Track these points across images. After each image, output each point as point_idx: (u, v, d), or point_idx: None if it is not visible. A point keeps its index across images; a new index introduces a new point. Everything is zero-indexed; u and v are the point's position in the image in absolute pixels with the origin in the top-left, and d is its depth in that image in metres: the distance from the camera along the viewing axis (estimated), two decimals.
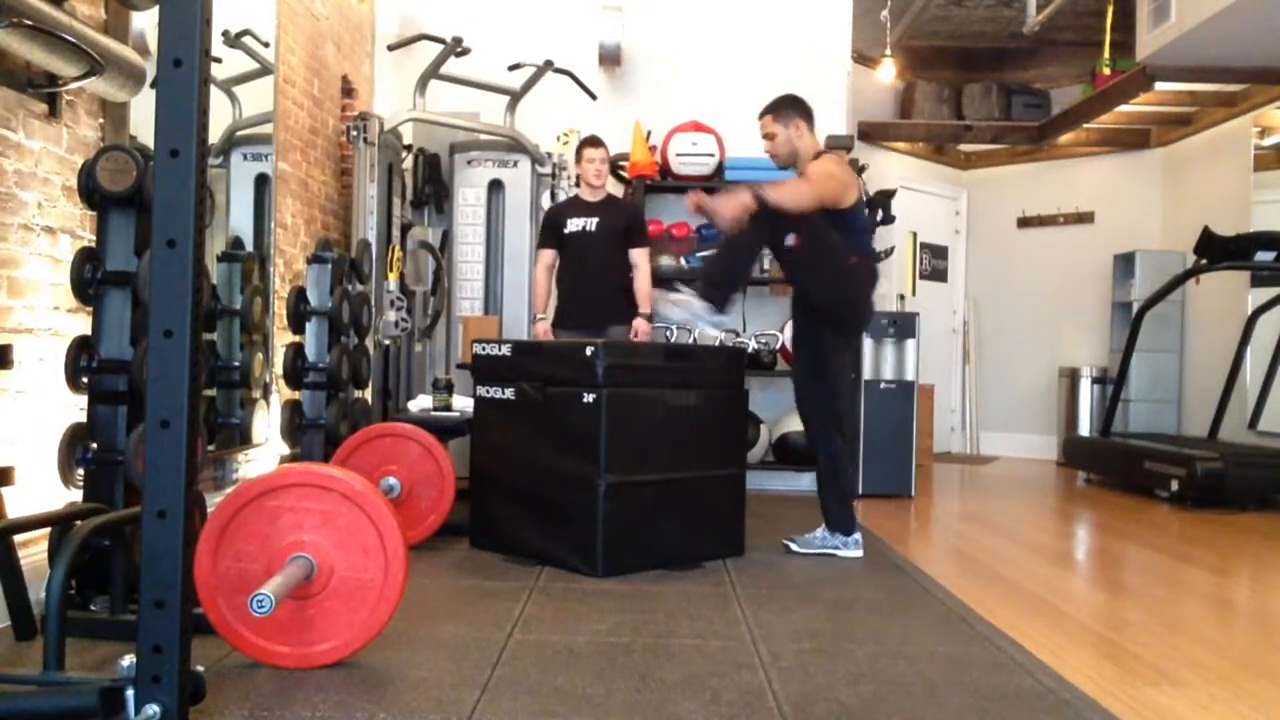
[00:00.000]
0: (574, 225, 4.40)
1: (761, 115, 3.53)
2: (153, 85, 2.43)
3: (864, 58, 6.81)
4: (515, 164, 5.03)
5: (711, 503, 3.41)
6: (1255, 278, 5.85)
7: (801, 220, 3.29)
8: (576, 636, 2.38)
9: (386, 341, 4.25)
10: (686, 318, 3.43)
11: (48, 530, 2.30)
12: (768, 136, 3.51)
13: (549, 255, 4.47)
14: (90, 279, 2.37)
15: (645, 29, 5.41)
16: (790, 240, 3.35)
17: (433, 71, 4.73)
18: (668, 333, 4.90)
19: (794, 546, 3.52)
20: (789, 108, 3.50)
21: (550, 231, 4.47)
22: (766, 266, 5.23)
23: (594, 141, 4.42)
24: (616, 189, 5.17)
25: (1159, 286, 5.90)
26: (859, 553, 3.47)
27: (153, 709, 1.47)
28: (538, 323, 4.48)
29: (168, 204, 1.47)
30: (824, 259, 3.38)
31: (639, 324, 4.33)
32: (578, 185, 5.16)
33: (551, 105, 5.16)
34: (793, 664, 2.20)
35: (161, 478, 1.47)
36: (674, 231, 5.25)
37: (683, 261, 5.24)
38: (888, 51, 6.54)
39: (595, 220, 4.37)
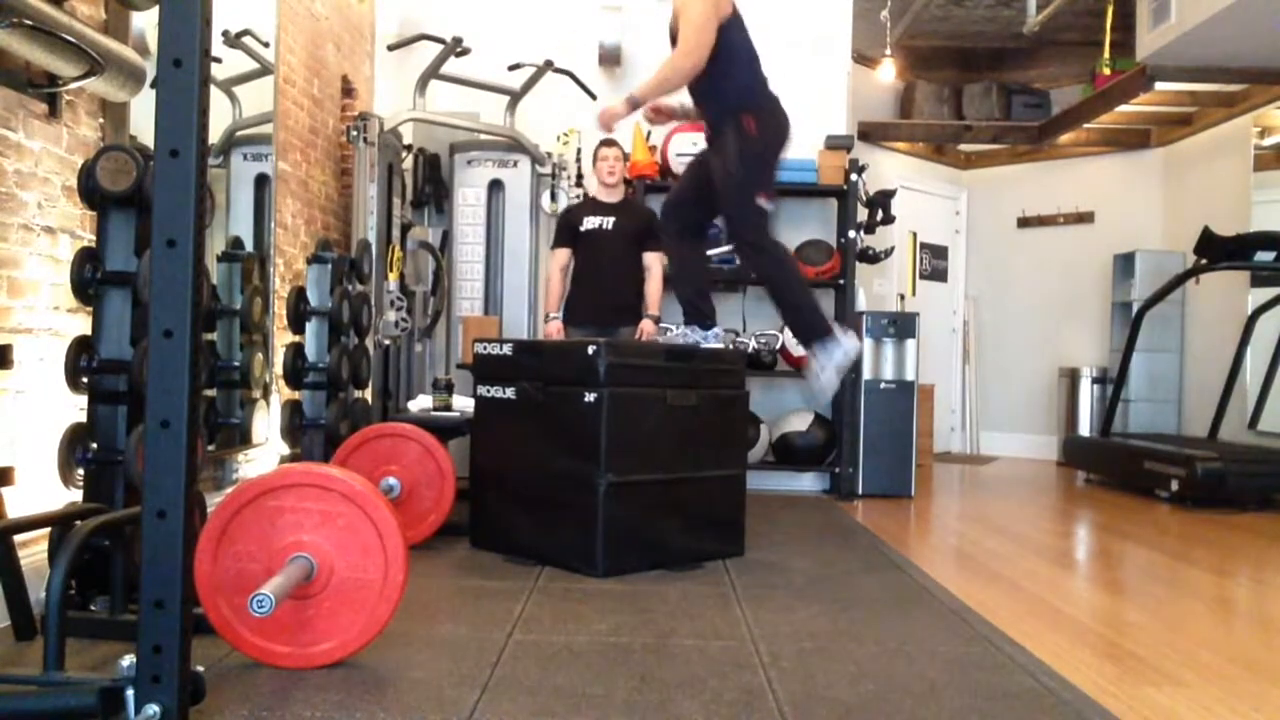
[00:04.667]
0: (590, 224, 4.44)
1: None
2: (153, 85, 2.43)
3: (864, 58, 6.81)
4: (515, 164, 5.03)
5: (711, 503, 3.41)
6: (1255, 278, 5.85)
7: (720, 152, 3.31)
8: (576, 636, 2.38)
9: (386, 341, 4.26)
10: (695, 341, 3.50)
11: (48, 530, 2.30)
12: None
13: (563, 255, 4.51)
14: (90, 279, 2.37)
15: (645, 29, 5.41)
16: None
17: (433, 71, 4.73)
18: (667, 332, 4.90)
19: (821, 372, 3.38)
20: None
21: (565, 231, 4.50)
22: None
23: (609, 142, 4.48)
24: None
25: (1159, 286, 5.90)
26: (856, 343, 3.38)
27: (153, 709, 1.47)
28: (550, 322, 4.49)
29: (168, 204, 1.47)
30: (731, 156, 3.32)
31: (645, 325, 4.36)
32: (579, 185, 5.17)
33: (551, 105, 5.17)
34: (793, 664, 2.20)
35: (161, 478, 1.47)
36: None
37: None
38: (888, 51, 6.54)
39: (612, 220, 4.43)
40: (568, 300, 4.52)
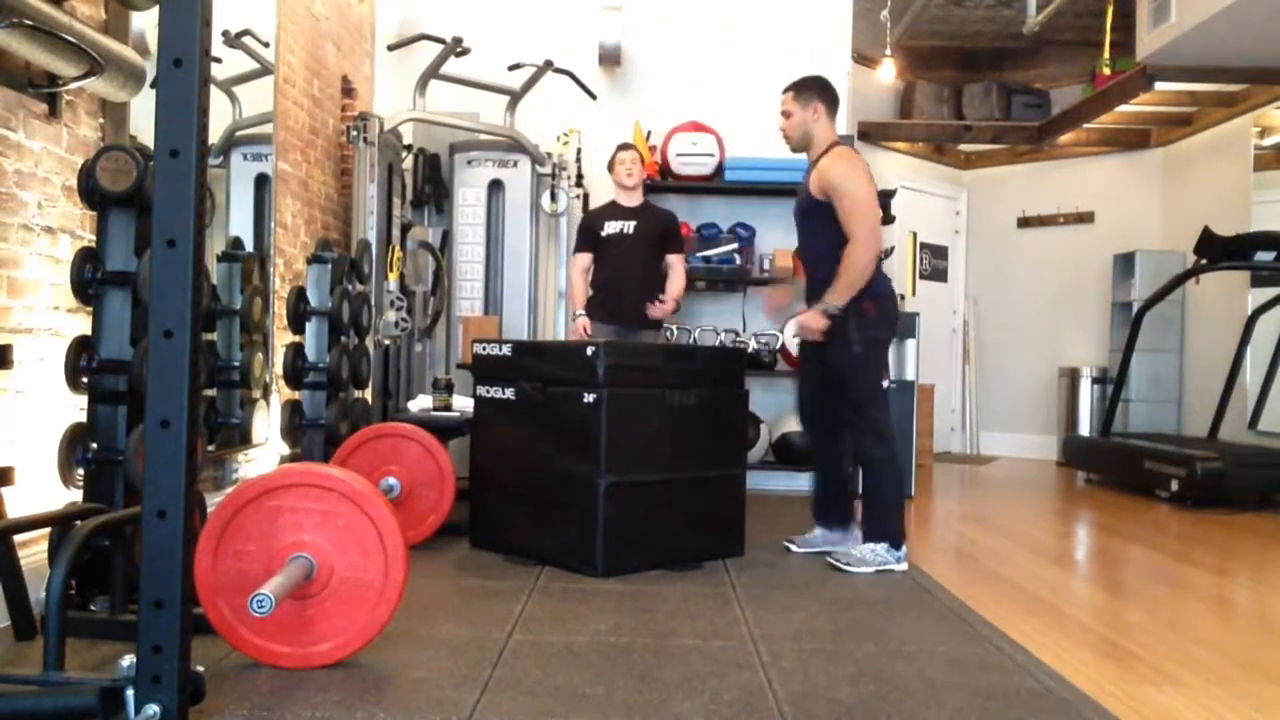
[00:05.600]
0: (611, 228, 4.46)
1: (784, 91, 3.47)
2: (153, 85, 2.43)
3: (864, 58, 6.81)
4: (515, 164, 5.03)
5: (711, 503, 3.41)
6: (1255, 278, 5.85)
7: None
8: (576, 636, 2.38)
9: (386, 341, 4.25)
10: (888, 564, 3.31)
11: (48, 530, 2.30)
12: (785, 114, 3.45)
13: (584, 259, 4.54)
14: (90, 279, 2.37)
15: (645, 29, 5.41)
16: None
17: (433, 71, 4.73)
18: (668, 332, 4.91)
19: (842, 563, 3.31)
20: (811, 89, 3.43)
21: (586, 235, 4.54)
22: (766, 267, 5.24)
23: (625, 145, 4.56)
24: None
25: (1159, 286, 5.90)
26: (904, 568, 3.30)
27: (153, 709, 1.47)
28: (578, 319, 4.50)
29: (168, 204, 1.47)
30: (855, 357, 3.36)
31: (662, 305, 4.40)
32: (579, 185, 5.17)
33: (551, 105, 5.17)
34: (793, 664, 2.20)
35: (161, 478, 1.47)
36: None
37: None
38: (888, 51, 6.53)
39: (633, 224, 4.45)
40: (589, 303, 4.54)
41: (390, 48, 5.06)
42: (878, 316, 3.35)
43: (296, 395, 3.55)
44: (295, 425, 3.47)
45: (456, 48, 4.71)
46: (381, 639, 2.12)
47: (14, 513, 2.28)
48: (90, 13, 2.68)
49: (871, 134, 7.10)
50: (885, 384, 3.52)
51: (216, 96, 3.52)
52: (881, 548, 3.27)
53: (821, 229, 3.35)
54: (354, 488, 2.06)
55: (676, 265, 4.53)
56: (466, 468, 3.56)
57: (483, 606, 2.66)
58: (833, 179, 3.30)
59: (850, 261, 3.25)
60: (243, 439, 3.70)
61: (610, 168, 4.56)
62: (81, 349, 2.37)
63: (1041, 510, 5.13)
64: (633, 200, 4.52)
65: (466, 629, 2.42)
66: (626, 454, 3.14)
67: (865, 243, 3.24)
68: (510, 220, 5.06)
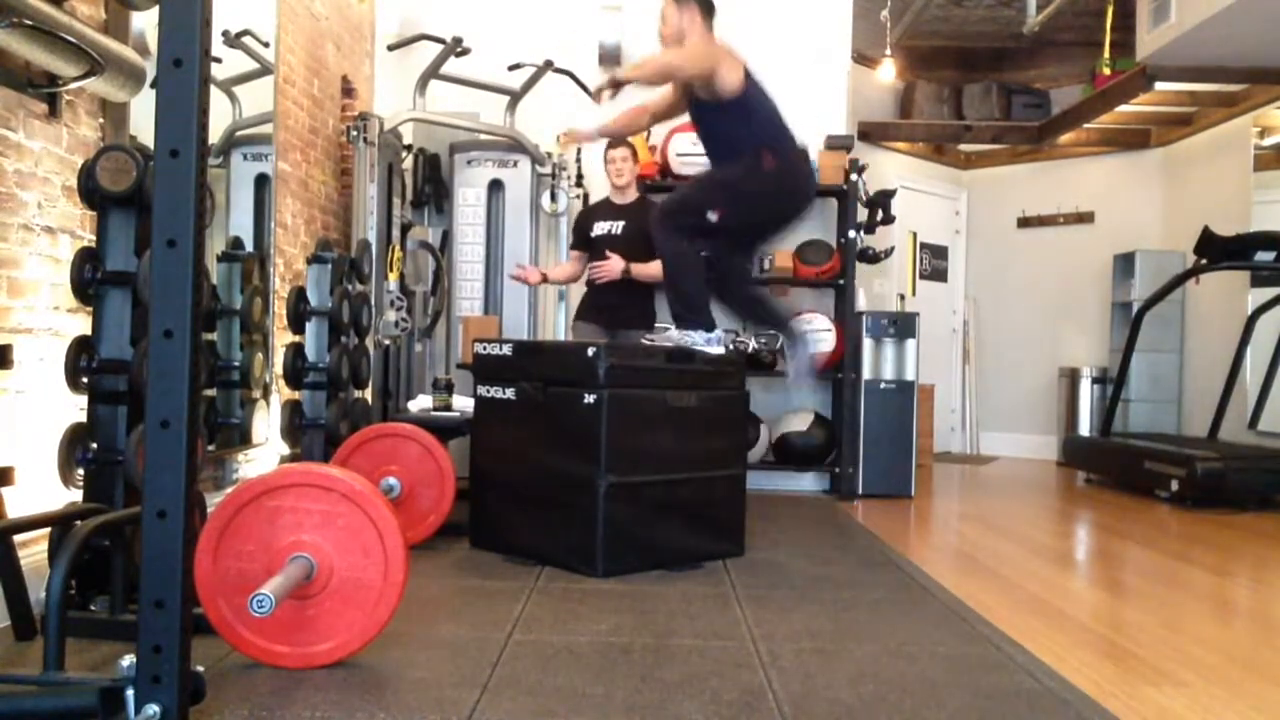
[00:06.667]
0: (600, 229, 4.41)
1: None
2: (153, 85, 2.43)
3: (864, 58, 6.81)
4: (515, 164, 5.03)
5: (711, 503, 3.41)
6: (1255, 278, 5.85)
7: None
8: (576, 636, 2.38)
9: (386, 341, 4.26)
10: (695, 344, 3.48)
11: (48, 530, 2.30)
12: (662, 18, 3.52)
13: (575, 255, 4.54)
14: (90, 279, 2.37)
15: (645, 29, 5.40)
16: (713, 216, 3.41)
17: (433, 71, 4.73)
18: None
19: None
20: None
21: (579, 234, 4.51)
22: (766, 266, 5.24)
23: (616, 143, 4.44)
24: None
25: (1159, 286, 5.90)
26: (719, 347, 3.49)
27: (153, 709, 1.46)
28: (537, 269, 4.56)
29: (168, 204, 1.47)
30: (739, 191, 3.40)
31: (614, 261, 4.32)
32: (579, 185, 5.17)
33: (551, 105, 5.16)
34: (793, 664, 2.20)
35: (161, 478, 1.47)
36: None
37: None
38: (888, 51, 6.54)
39: (621, 224, 4.37)
40: (581, 301, 4.52)
41: (390, 48, 5.06)
42: (774, 169, 3.39)
43: (296, 395, 3.55)
44: (295, 425, 3.47)
45: (456, 48, 4.71)
46: (381, 639, 2.12)
47: (14, 513, 2.28)
48: (90, 13, 2.68)
49: (871, 134, 7.10)
50: (712, 217, 3.46)
51: (216, 96, 3.52)
52: (699, 335, 3.45)
53: (700, 112, 3.49)
54: (354, 488, 2.06)
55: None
56: (466, 468, 3.56)
57: (483, 606, 2.66)
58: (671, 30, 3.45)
59: (655, 55, 3.42)
60: (243, 439, 3.70)
61: (605, 164, 4.54)
62: (81, 349, 2.37)
63: (1041, 510, 5.13)
64: (625, 198, 4.44)
65: (466, 629, 2.42)
66: (627, 454, 3.14)
67: (684, 53, 3.36)
68: (510, 220, 5.06)
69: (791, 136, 3.48)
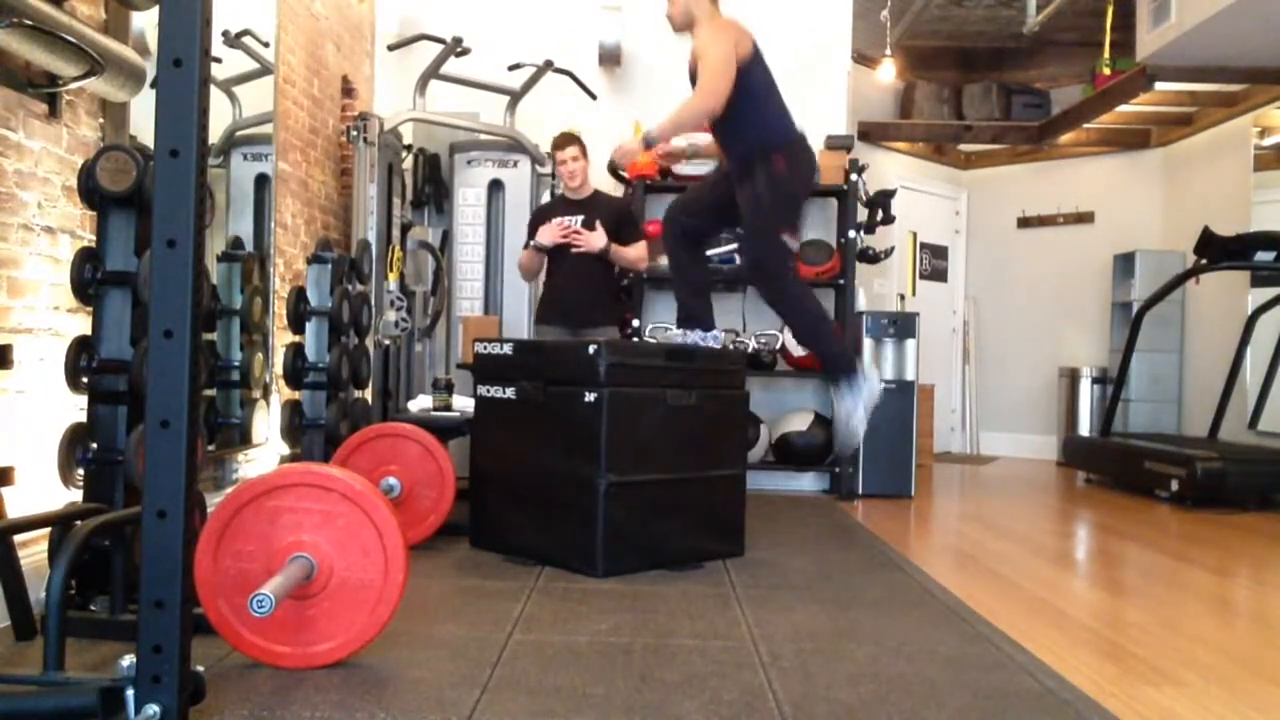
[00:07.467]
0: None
1: None
2: (153, 85, 2.43)
3: (864, 58, 6.81)
4: (515, 164, 5.03)
5: (711, 503, 3.41)
6: (1255, 278, 5.85)
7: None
8: (576, 636, 2.38)
9: (386, 341, 4.25)
10: (694, 342, 3.52)
11: (48, 530, 2.30)
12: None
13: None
14: (90, 279, 2.37)
15: (645, 29, 5.41)
16: (794, 244, 3.41)
17: (433, 71, 4.73)
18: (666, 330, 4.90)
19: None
20: None
21: (533, 232, 4.43)
22: None
23: (560, 142, 4.34)
24: (616, 189, 5.17)
25: (1159, 286, 5.90)
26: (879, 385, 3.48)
27: (153, 709, 1.47)
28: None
29: (168, 204, 1.47)
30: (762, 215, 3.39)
31: (597, 234, 4.23)
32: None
33: (551, 105, 5.17)
34: (793, 664, 2.20)
35: (161, 478, 1.47)
36: None
37: None
38: (888, 51, 6.54)
39: (579, 220, 4.30)
40: (541, 298, 4.48)
41: (390, 48, 5.06)
42: (788, 169, 3.37)
43: (296, 395, 3.55)
44: (295, 425, 3.47)
45: (456, 48, 4.71)
46: (381, 639, 2.12)
47: (14, 513, 2.28)
48: (90, 13, 2.68)
49: (871, 134, 7.10)
50: (793, 244, 3.49)
51: (216, 96, 3.52)
52: (851, 390, 3.41)
53: None
54: (354, 488, 2.06)
55: (639, 250, 4.34)
56: (466, 468, 3.56)
57: (483, 606, 2.66)
58: (696, 45, 3.39)
59: (687, 104, 3.33)
60: (243, 439, 3.70)
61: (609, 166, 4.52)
62: (81, 349, 2.37)
63: (1042, 510, 5.13)
64: (581, 193, 4.36)
65: (466, 629, 2.42)
66: (627, 454, 3.13)
67: (705, 90, 3.29)
68: (510, 220, 5.06)
69: (791, 121, 3.47)
